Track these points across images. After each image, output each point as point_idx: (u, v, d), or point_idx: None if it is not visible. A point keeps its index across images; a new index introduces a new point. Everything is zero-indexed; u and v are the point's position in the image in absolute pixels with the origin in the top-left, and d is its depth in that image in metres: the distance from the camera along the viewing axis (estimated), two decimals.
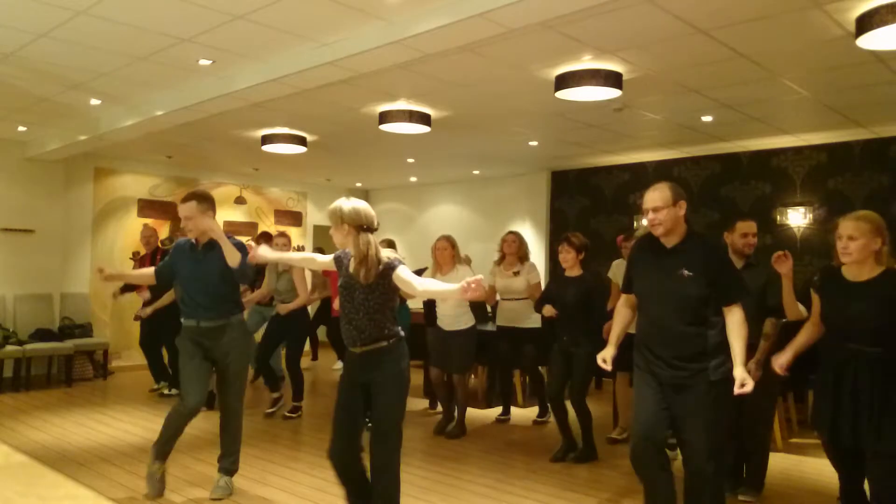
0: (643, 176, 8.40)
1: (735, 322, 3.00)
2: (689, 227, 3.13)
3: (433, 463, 4.86)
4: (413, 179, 10.52)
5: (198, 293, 3.96)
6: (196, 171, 9.64)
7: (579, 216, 8.95)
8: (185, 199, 3.97)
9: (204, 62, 4.89)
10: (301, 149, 7.36)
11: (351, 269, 3.12)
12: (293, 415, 6.16)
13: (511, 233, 5.91)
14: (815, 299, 3.15)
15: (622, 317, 3.41)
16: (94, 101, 6.06)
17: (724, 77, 4.97)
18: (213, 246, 3.93)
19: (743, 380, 2.88)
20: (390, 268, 3.06)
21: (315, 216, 11.05)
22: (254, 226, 10.11)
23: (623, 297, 3.42)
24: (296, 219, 10.82)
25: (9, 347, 7.23)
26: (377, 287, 3.07)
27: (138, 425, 5.78)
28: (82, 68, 5.10)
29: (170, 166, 9.29)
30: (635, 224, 8.31)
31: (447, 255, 5.42)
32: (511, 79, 5.12)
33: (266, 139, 7.24)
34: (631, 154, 8.09)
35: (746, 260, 4.09)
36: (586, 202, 8.89)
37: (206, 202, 3.98)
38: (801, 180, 7.25)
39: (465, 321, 5.43)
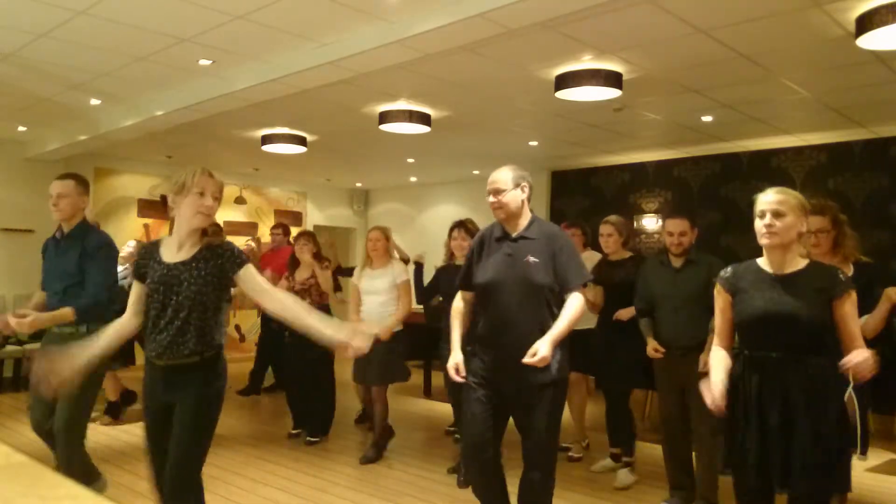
0: (643, 176, 8.41)
1: (570, 304, 2.83)
2: (533, 213, 3.06)
3: (433, 463, 4.86)
4: (413, 179, 10.52)
5: (52, 288, 3.54)
6: None
7: (579, 216, 8.94)
8: (63, 177, 3.56)
9: (204, 62, 4.89)
10: (301, 149, 7.36)
11: (173, 258, 2.58)
12: None
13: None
14: (722, 302, 2.54)
15: (463, 316, 3.14)
16: (94, 101, 6.05)
17: (724, 77, 4.97)
18: (79, 234, 3.54)
19: (536, 352, 2.66)
20: (236, 258, 2.59)
21: (315, 216, 11.04)
22: (254, 226, 10.11)
23: (461, 294, 3.18)
24: (296, 219, 10.81)
25: (9, 347, 7.24)
26: (211, 275, 2.56)
27: (138, 425, 5.75)
28: (82, 68, 5.10)
29: (170, 166, 9.27)
30: (635, 224, 8.31)
31: (380, 246, 4.92)
32: (511, 79, 5.12)
33: (266, 139, 7.23)
34: (631, 154, 8.09)
35: (686, 258, 3.86)
36: (586, 202, 8.88)
37: (84, 186, 3.58)
38: (801, 180, 7.24)
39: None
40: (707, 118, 6.21)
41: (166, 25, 4.22)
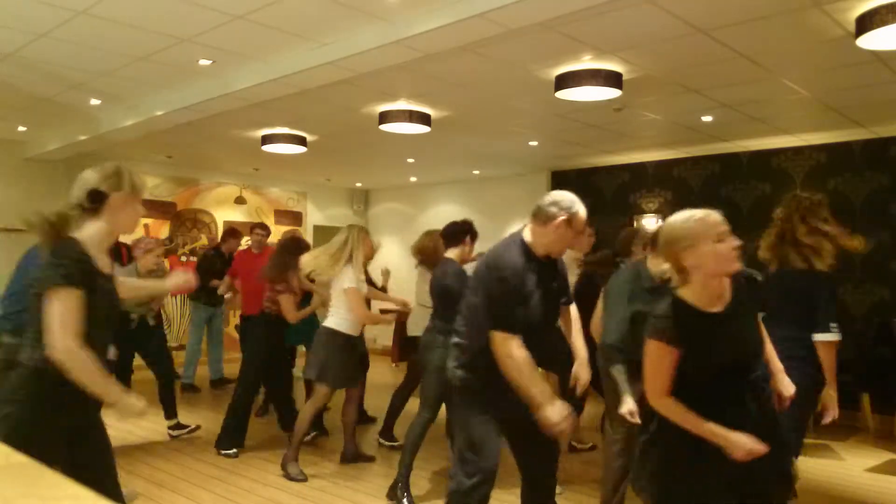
0: (643, 176, 8.40)
1: (571, 319, 3.18)
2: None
3: (434, 463, 4.86)
4: (413, 179, 10.52)
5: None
6: (196, 171, 9.63)
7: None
8: None
9: (204, 62, 4.89)
10: (301, 149, 7.36)
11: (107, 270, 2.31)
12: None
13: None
14: (663, 354, 2.17)
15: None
16: (94, 101, 6.05)
17: (724, 77, 4.97)
18: None
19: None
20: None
21: (315, 216, 11.05)
22: None
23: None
24: (296, 219, 10.82)
25: None
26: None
27: (138, 425, 5.77)
28: (82, 68, 5.10)
29: (170, 166, 9.28)
30: (635, 224, 8.31)
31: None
32: (511, 79, 5.12)
33: (266, 139, 7.23)
34: (631, 154, 8.09)
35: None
36: (586, 202, 8.72)
37: None
38: (801, 180, 7.24)
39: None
40: (707, 118, 6.21)
41: (166, 25, 4.22)
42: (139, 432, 5.51)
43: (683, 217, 2.32)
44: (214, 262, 7.28)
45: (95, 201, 2.24)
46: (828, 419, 3.22)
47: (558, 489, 4.31)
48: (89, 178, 2.28)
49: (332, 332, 4.55)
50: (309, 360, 4.65)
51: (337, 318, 4.57)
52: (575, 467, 4.80)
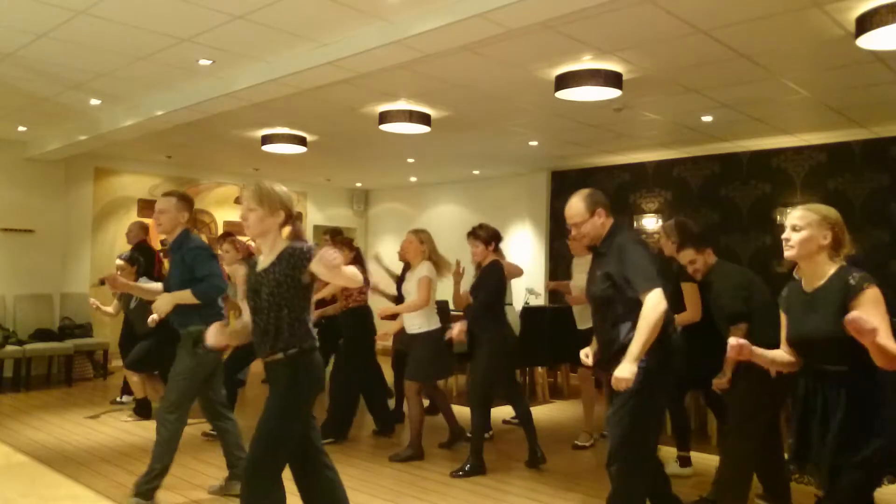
0: (643, 176, 8.41)
1: (642, 313, 2.83)
2: (612, 228, 3.10)
3: (434, 463, 4.86)
4: (413, 179, 10.52)
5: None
6: (196, 171, 9.64)
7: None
8: (166, 194, 3.96)
9: (204, 62, 4.89)
10: (301, 149, 7.36)
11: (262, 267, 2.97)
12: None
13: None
14: (784, 319, 2.68)
15: None
16: (94, 101, 6.06)
17: (724, 77, 4.97)
18: (177, 245, 3.89)
19: (618, 376, 2.80)
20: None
21: (315, 216, 11.05)
22: None
23: None
24: None
25: (9, 347, 7.24)
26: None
27: (138, 425, 5.78)
28: (82, 68, 5.10)
29: (170, 166, 9.29)
30: (635, 224, 8.31)
31: (413, 248, 5.25)
32: (511, 79, 5.12)
33: (266, 139, 7.24)
34: (631, 154, 8.09)
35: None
36: None
37: (184, 202, 3.94)
38: (801, 180, 7.25)
39: (420, 325, 4.96)
40: (707, 118, 6.21)
41: (166, 25, 4.23)
42: (139, 432, 5.51)
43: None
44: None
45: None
46: None
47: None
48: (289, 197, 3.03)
49: None
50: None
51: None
52: (579, 465, 4.80)
